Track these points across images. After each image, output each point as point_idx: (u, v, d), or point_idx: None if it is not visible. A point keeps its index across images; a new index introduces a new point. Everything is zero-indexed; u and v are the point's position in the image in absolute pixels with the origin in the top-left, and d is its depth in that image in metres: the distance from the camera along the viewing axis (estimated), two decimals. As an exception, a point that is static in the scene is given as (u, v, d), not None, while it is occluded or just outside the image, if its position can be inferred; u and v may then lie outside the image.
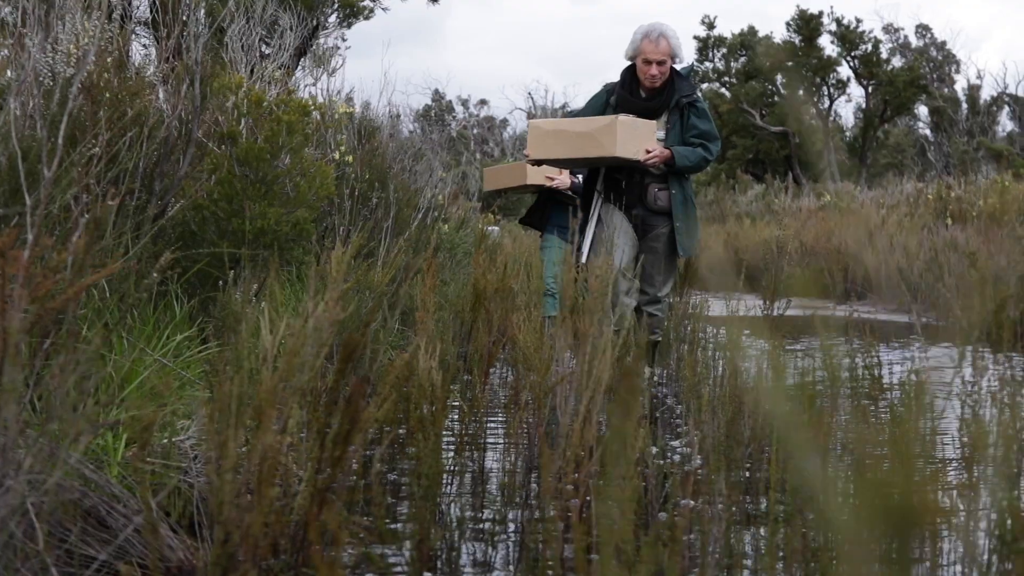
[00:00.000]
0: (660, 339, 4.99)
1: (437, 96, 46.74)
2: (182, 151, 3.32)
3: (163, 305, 3.53)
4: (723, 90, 34.81)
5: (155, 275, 2.25)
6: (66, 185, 2.54)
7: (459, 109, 47.08)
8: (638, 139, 4.55)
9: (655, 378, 4.94)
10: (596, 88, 5.20)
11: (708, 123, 4.85)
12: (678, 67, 4.89)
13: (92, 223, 2.09)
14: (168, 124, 3.16)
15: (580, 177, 5.82)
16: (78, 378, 1.43)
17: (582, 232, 4.85)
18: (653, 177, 4.80)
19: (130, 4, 4.95)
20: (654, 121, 4.72)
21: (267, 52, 5.16)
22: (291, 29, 4.85)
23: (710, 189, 26.48)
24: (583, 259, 4.61)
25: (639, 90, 4.85)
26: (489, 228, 12.29)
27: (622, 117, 4.50)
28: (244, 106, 3.85)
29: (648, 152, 4.58)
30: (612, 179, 4.91)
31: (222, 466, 1.28)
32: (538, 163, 4.92)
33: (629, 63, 4.90)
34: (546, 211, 6.39)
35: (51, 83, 2.77)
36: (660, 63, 4.74)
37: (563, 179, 6.23)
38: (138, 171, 3.01)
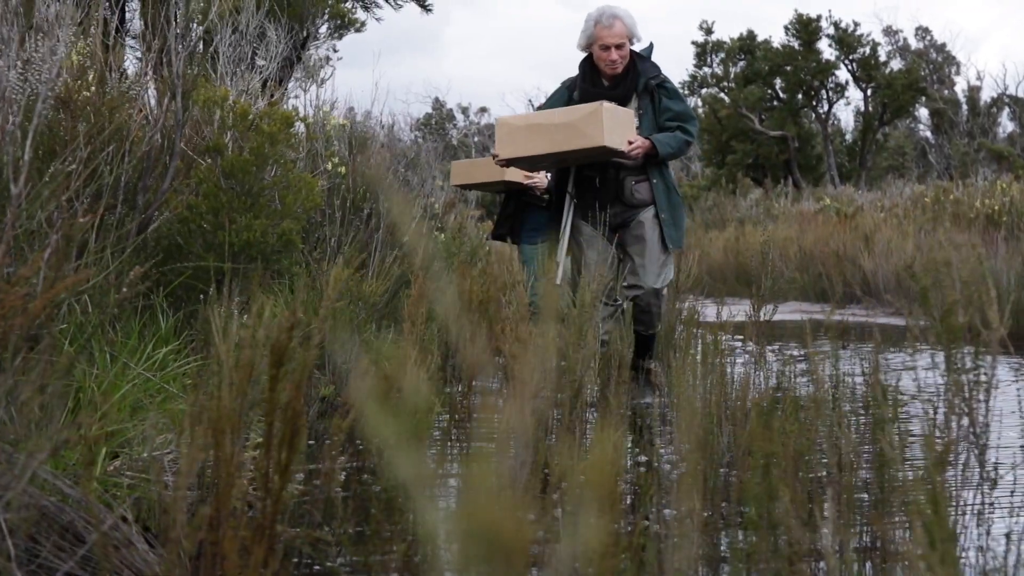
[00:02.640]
0: (655, 333, 4.58)
1: (438, 104, 46.82)
2: (165, 164, 3.32)
3: (148, 317, 3.53)
4: (722, 95, 34.82)
5: (125, 290, 2.25)
6: (44, 201, 2.54)
7: (460, 117, 47.16)
8: (621, 128, 4.18)
9: (656, 378, 4.68)
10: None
11: (681, 103, 4.56)
12: (637, 48, 4.59)
13: (64, 239, 2.09)
14: (150, 137, 3.16)
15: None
16: (35, 392, 1.43)
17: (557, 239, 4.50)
18: (628, 170, 4.45)
19: (115, 14, 4.97)
20: (632, 109, 4.41)
21: (259, 64, 5.17)
22: (279, 41, 4.86)
23: (710, 194, 26.42)
24: (558, 279, 4.26)
25: (601, 80, 4.55)
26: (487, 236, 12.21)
27: (606, 104, 4.12)
28: (229, 119, 3.85)
29: (631, 143, 4.24)
30: (583, 177, 4.53)
31: (175, 483, 1.28)
32: (507, 164, 4.41)
33: (586, 54, 4.59)
34: (518, 218, 5.91)
35: (27, 99, 2.78)
36: (618, 46, 4.45)
37: (541, 177, 5.75)
38: (119, 185, 3.02)
